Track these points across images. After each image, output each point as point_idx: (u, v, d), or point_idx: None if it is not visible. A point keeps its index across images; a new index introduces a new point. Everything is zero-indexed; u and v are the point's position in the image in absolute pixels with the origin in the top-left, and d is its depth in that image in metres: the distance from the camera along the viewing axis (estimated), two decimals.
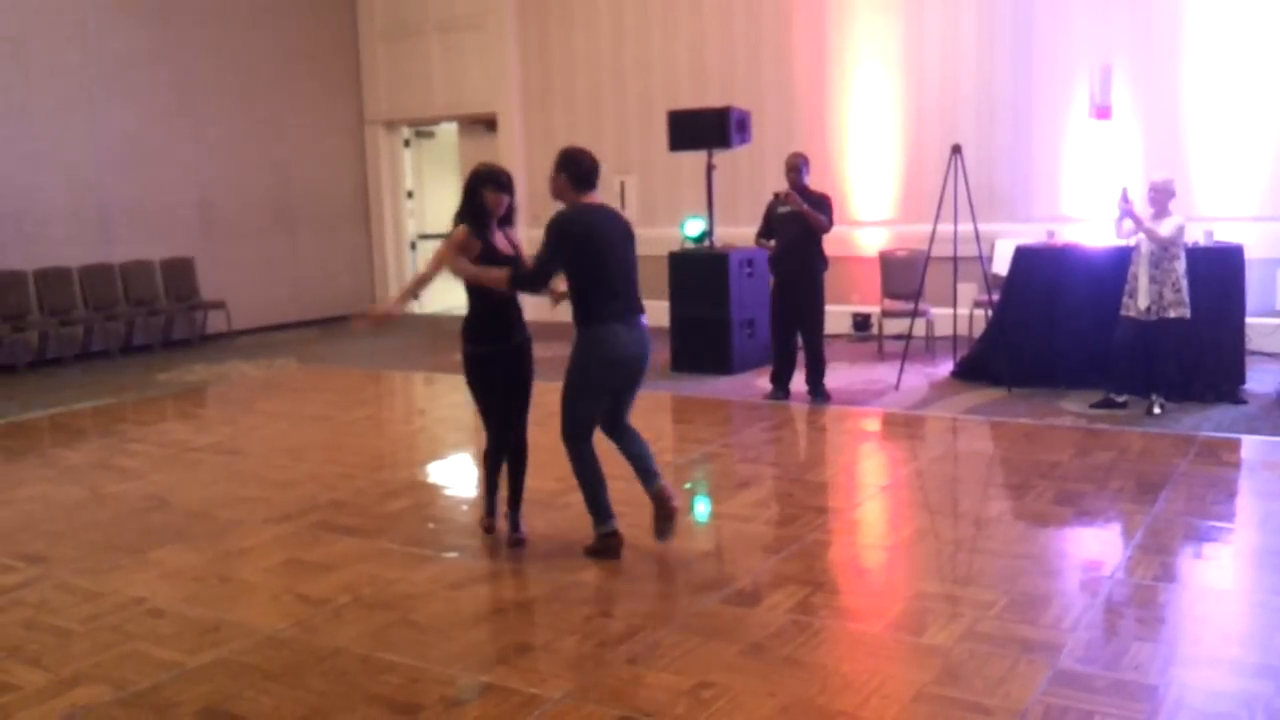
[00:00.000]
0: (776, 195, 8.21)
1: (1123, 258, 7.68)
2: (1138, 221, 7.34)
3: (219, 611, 4.54)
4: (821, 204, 8.08)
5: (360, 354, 11.63)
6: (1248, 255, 8.26)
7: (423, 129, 15.14)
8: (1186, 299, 7.38)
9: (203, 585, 4.88)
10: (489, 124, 13.88)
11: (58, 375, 10.72)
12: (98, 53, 11.83)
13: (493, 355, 5.08)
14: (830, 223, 8.09)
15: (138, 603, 4.67)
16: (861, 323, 11.29)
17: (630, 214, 12.24)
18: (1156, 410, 7.45)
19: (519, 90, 13.57)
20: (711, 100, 11.01)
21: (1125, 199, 7.42)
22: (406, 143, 15.06)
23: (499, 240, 5.08)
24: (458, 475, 7.15)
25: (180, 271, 12.53)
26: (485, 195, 5.02)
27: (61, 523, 5.91)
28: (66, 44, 11.56)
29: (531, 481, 6.39)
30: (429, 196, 15.19)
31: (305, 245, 14.10)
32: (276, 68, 13.64)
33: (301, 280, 14.06)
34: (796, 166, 8.12)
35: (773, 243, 8.30)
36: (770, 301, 8.53)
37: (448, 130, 14.98)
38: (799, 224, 8.03)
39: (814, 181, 8.77)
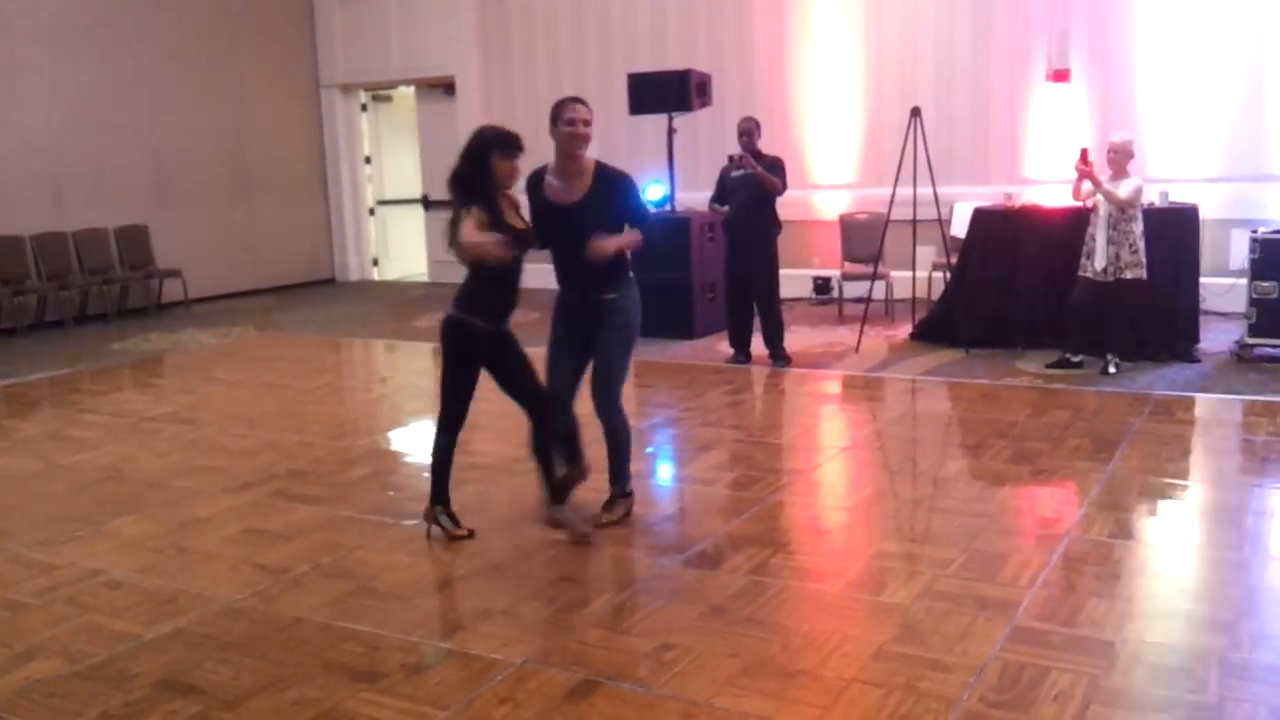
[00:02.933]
0: (731, 158, 8.20)
1: (1079, 219, 7.73)
2: (1096, 183, 7.38)
3: (176, 582, 4.50)
4: (775, 167, 8.07)
5: (319, 321, 11.53)
6: (1202, 216, 8.34)
7: (380, 93, 14.94)
8: (1143, 260, 7.44)
9: (160, 556, 4.83)
10: (447, 88, 13.73)
11: (11, 345, 10.54)
12: (48, 17, 11.56)
13: (489, 334, 4.66)
14: (784, 185, 8.09)
15: (94, 574, 4.61)
16: (822, 286, 11.32)
17: None
18: (1112, 370, 7.53)
19: (478, 53, 13.41)
20: (672, 63, 10.93)
21: (1085, 160, 7.46)
22: (364, 107, 14.87)
23: (510, 213, 4.60)
24: (418, 442, 7.12)
25: (135, 239, 12.33)
26: (496, 163, 4.49)
27: (15, 495, 5.83)
28: (15, 8, 11.29)
29: (492, 447, 6.40)
30: (387, 162, 15.02)
31: (262, 212, 13.92)
32: (230, 30, 13.40)
33: (258, 247, 13.89)
34: (748, 130, 8.10)
35: (726, 207, 8.29)
36: (725, 265, 8.53)
37: (405, 94, 14.80)
38: (752, 187, 8.02)
39: (775, 145, 8.75)
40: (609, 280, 4.76)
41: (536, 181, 4.77)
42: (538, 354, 4.88)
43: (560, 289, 4.87)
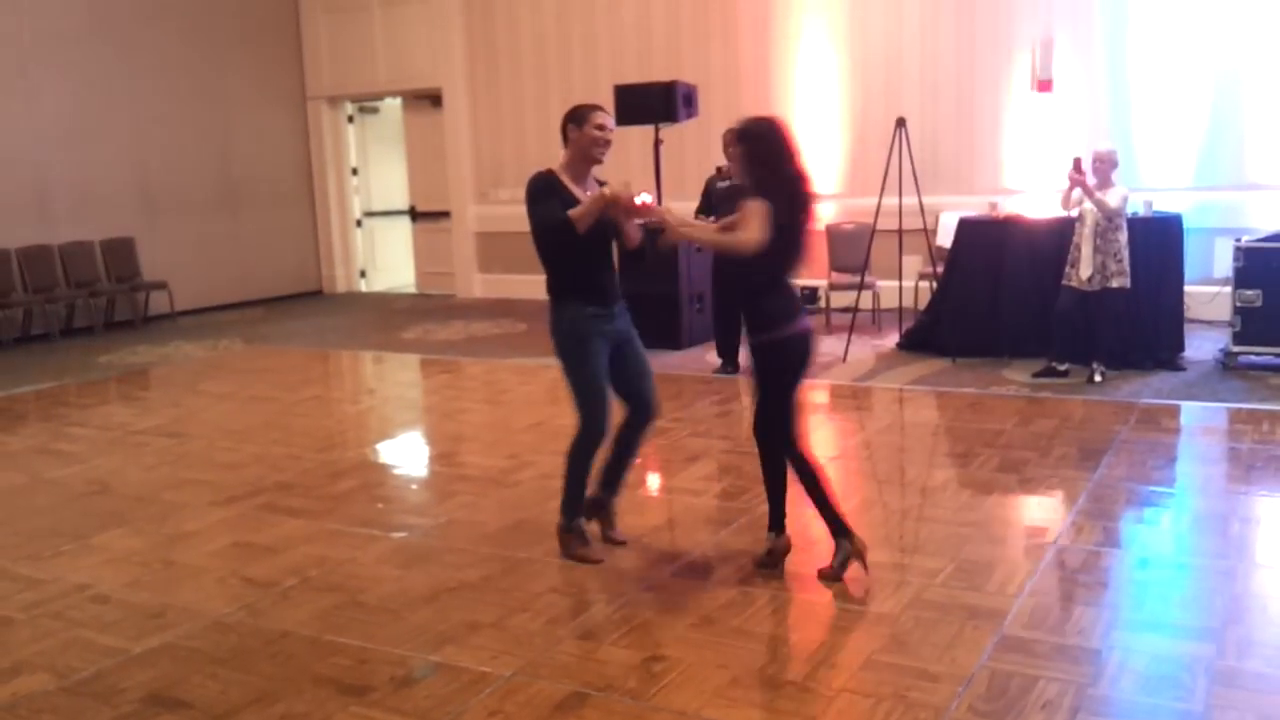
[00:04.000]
0: (719, 170, 8.21)
1: (1064, 229, 7.77)
2: (1088, 192, 7.41)
3: (164, 596, 4.49)
4: None
5: (306, 333, 11.51)
6: (1186, 225, 8.39)
7: (366, 104, 14.93)
8: (1127, 269, 7.48)
9: (147, 570, 4.81)
10: (434, 99, 13.75)
11: None
12: (32, 29, 11.53)
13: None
14: None
15: (81, 589, 4.60)
16: (809, 296, 11.32)
17: None
18: (1097, 378, 7.56)
19: (464, 64, 13.43)
20: (658, 75, 10.96)
21: (1079, 169, 7.48)
22: (350, 118, 14.86)
23: None
24: (406, 455, 7.11)
25: (121, 252, 12.29)
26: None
27: (1, 509, 5.80)
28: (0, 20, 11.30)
29: (479, 459, 6.41)
30: (374, 173, 15.02)
31: (248, 224, 13.89)
32: (216, 42, 13.39)
33: (245, 259, 13.86)
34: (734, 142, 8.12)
35: (712, 218, 8.29)
36: (711, 276, 8.55)
37: (392, 106, 14.80)
38: (738, 198, 8.01)
39: None
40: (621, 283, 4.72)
41: (555, 182, 4.62)
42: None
43: (574, 302, 4.61)
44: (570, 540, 4.70)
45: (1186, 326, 8.40)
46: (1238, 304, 7.78)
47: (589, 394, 4.54)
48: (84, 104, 11.99)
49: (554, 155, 4.91)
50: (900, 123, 8.50)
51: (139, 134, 12.55)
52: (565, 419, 6.83)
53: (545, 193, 4.57)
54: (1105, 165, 7.48)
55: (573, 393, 4.58)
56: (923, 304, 9.57)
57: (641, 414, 4.73)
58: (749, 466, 6.06)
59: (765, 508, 5.29)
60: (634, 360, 4.68)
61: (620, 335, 4.65)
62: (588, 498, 4.75)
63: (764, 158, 4.37)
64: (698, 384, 8.22)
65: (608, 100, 10.08)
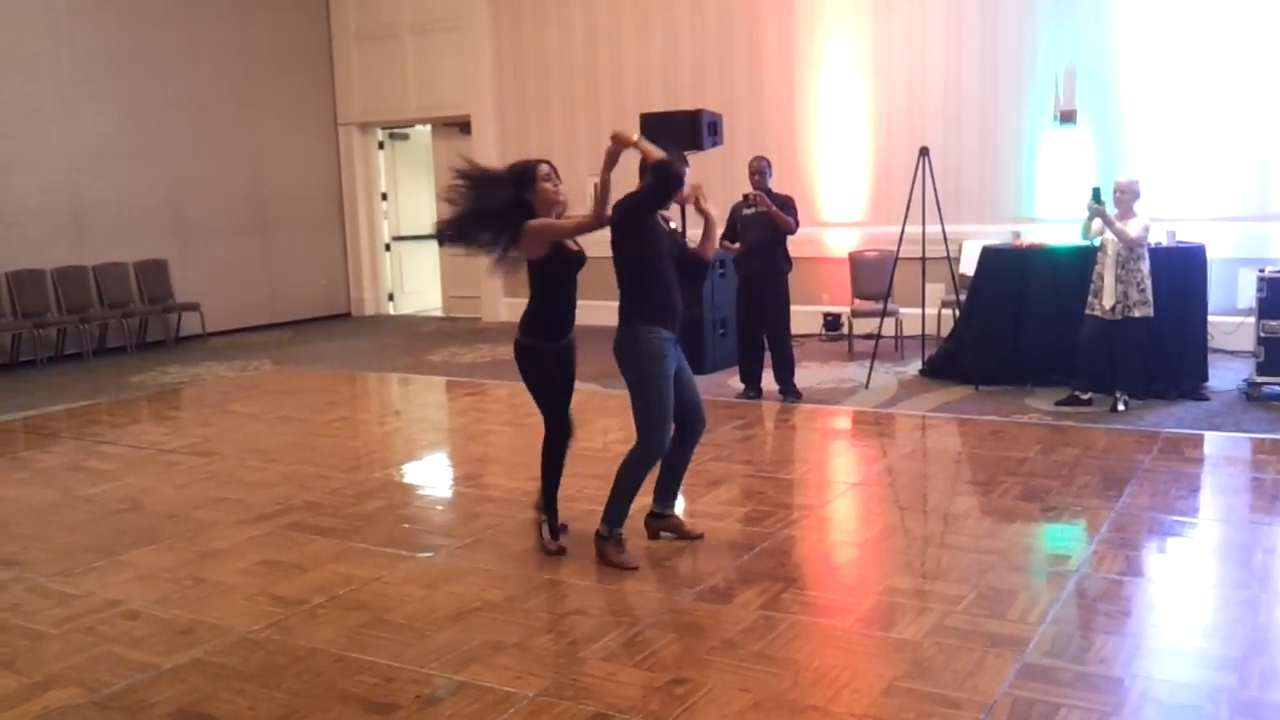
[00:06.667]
0: (745, 197, 8.29)
1: (1087, 258, 7.78)
2: (1108, 222, 7.43)
3: (193, 613, 4.55)
4: (787, 205, 8.16)
5: (335, 355, 11.62)
6: (1210, 255, 8.40)
7: (397, 131, 15.12)
8: (1150, 298, 7.49)
9: (177, 587, 4.88)
10: (463, 126, 13.89)
11: (31, 377, 10.65)
12: (70, 53, 11.77)
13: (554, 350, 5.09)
14: (796, 224, 8.19)
15: (112, 605, 4.67)
16: (832, 322, 11.37)
17: None
18: (1121, 407, 7.56)
19: (493, 92, 13.58)
20: (683, 103, 11.07)
21: (1099, 199, 7.50)
22: (381, 145, 15.04)
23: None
24: (432, 475, 7.18)
25: (154, 273, 12.47)
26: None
27: (35, 525, 5.90)
28: (39, 44, 11.50)
29: (503, 481, 6.47)
30: (403, 199, 15.18)
31: (279, 247, 14.07)
32: (250, 69, 13.60)
33: (276, 282, 14.03)
34: (760, 169, 8.21)
35: (737, 245, 8.36)
36: (736, 302, 8.61)
37: (422, 133, 14.97)
38: (764, 225, 8.11)
39: (785, 183, 8.81)
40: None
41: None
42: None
43: (653, 327, 5.02)
44: (608, 548, 4.93)
45: (1210, 356, 8.39)
46: (1261, 334, 7.77)
47: (660, 415, 4.88)
48: (120, 128, 12.20)
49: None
50: (924, 152, 8.55)
51: (173, 158, 12.75)
52: (587, 443, 6.89)
53: None
54: (1127, 195, 7.50)
55: (641, 411, 4.90)
56: (946, 331, 9.59)
57: (695, 425, 5.18)
58: (771, 491, 6.11)
59: (789, 533, 5.35)
60: (685, 374, 5.14)
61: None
62: (652, 514, 5.27)
63: None
64: (720, 409, 8.23)
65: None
